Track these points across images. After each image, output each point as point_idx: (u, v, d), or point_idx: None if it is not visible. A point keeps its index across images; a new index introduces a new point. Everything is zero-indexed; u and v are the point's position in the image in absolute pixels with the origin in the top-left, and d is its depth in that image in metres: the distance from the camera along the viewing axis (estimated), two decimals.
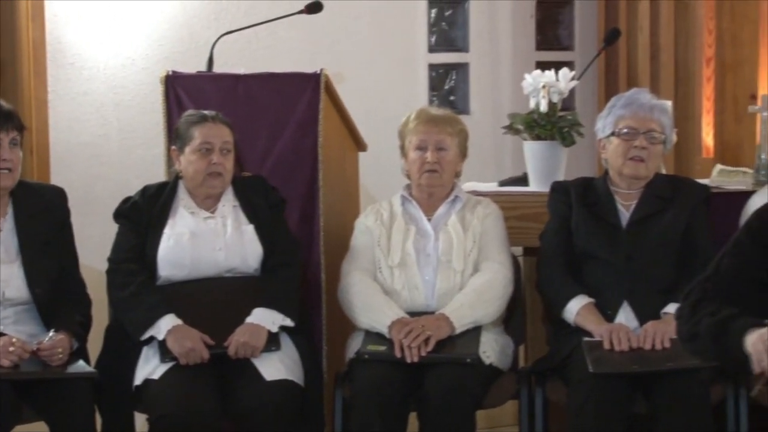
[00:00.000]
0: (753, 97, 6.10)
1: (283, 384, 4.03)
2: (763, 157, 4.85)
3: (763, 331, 2.73)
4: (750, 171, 4.89)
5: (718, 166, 5.01)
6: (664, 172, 4.61)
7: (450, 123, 4.43)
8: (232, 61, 5.07)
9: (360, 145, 4.98)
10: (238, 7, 5.72)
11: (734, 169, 4.97)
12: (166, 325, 4.07)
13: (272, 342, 4.12)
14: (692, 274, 4.12)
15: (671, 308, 4.10)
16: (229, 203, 4.31)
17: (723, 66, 6.40)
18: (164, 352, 4.05)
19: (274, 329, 4.14)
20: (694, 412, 3.92)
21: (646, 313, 4.18)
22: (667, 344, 4.05)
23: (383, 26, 6.10)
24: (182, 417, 3.88)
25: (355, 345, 4.26)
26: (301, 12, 4.96)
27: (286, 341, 4.18)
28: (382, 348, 4.17)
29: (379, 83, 5.96)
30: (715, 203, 4.44)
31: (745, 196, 4.40)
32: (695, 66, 6.34)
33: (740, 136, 6.28)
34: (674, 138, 4.49)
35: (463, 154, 4.46)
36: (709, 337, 2.86)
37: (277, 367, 4.07)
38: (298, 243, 4.41)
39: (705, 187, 4.49)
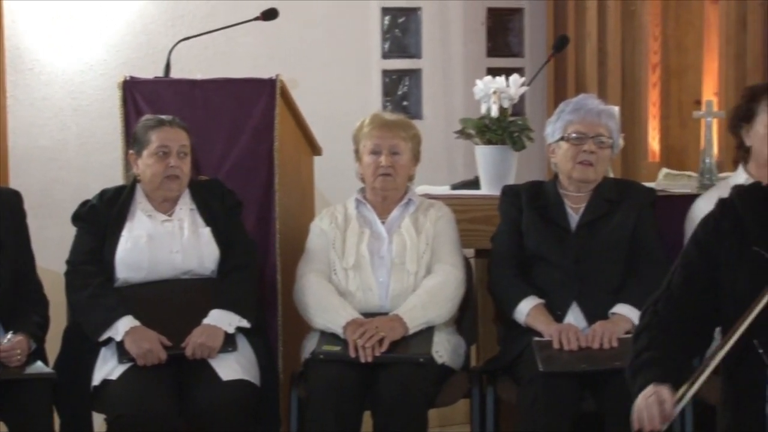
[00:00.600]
0: (697, 103, 6.13)
1: (239, 384, 4.06)
2: (707, 161, 4.86)
3: (647, 391, 2.86)
4: (695, 175, 4.91)
5: (664, 170, 5.04)
6: (611, 175, 4.64)
7: (403, 128, 4.46)
8: (189, 67, 5.09)
9: (315, 149, 5.00)
10: (194, 14, 5.73)
11: (679, 172, 5.01)
12: (124, 326, 4.09)
13: (229, 343, 4.14)
14: (639, 275, 4.24)
15: (619, 309, 4.19)
16: (186, 206, 4.34)
17: (668, 72, 6.44)
18: (122, 353, 4.06)
19: (231, 330, 4.16)
20: None
21: (595, 313, 4.21)
22: (615, 344, 4.09)
23: (338, 33, 6.13)
24: (139, 417, 3.90)
25: (310, 345, 4.28)
26: (257, 19, 5.00)
27: (242, 342, 4.21)
28: (337, 348, 4.19)
29: (334, 89, 5.99)
30: (661, 206, 4.47)
31: (690, 199, 4.42)
32: (641, 72, 6.38)
33: (685, 140, 6.31)
34: (621, 142, 4.52)
35: (416, 158, 4.49)
36: (629, 373, 3.02)
37: (234, 367, 4.10)
38: (255, 245, 4.43)
39: (651, 190, 4.52)
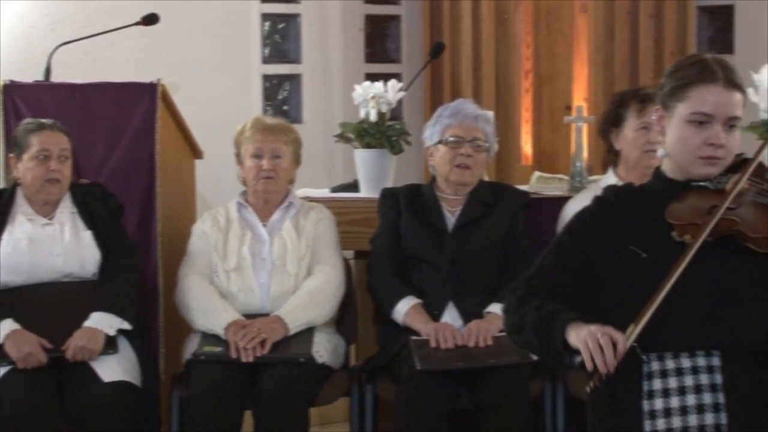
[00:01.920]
0: (568, 108, 6.23)
1: (120, 385, 4.05)
2: (577, 164, 4.93)
3: (593, 328, 2.76)
4: (566, 178, 4.98)
5: (536, 173, 5.12)
6: (486, 179, 4.68)
7: (284, 132, 4.49)
8: (70, 71, 5.03)
9: (196, 152, 5.00)
10: (75, 18, 5.67)
11: (551, 176, 5.09)
12: (4, 329, 4.06)
13: (110, 345, 4.13)
14: (514, 275, 4.23)
15: (494, 308, 4.24)
16: (67, 210, 4.32)
17: (540, 78, 6.53)
18: (2, 356, 4.03)
19: (112, 332, 4.15)
20: (514, 406, 4.02)
21: (470, 312, 4.28)
22: (490, 342, 4.16)
23: (218, 38, 6.11)
24: (20, 419, 3.88)
25: (191, 347, 4.27)
26: (137, 23, 4.98)
27: (123, 344, 4.20)
28: (218, 349, 4.20)
29: (215, 93, 5.98)
30: (534, 208, 4.53)
31: (562, 201, 4.45)
32: (514, 78, 6.47)
33: (556, 144, 6.41)
34: (496, 146, 4.57)
35: (296, 161, 4.52)
36: (533, 330, 2.90)
37: (115, 369, 4.09)
38: (136, 248, 4.41)
39: (525, 193, 4.60)
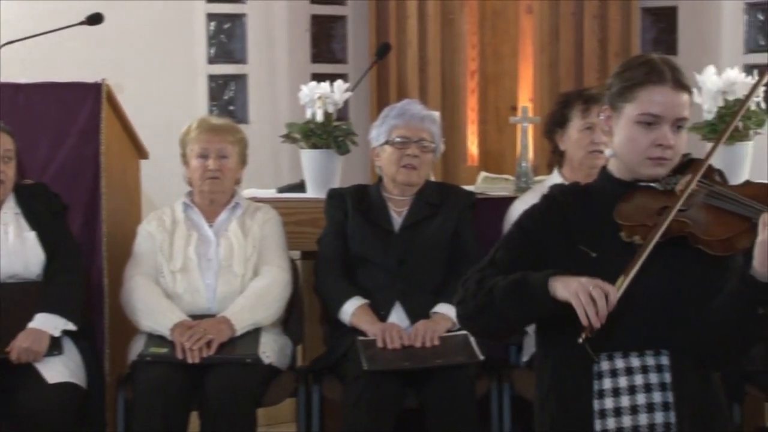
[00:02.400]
0: (513, 109, 6.27)
1: (65, 387, 4.03)
2: (523, 164, 4.95)
3: (583, 280, 2.75)
4: (511, 178, 5.01)
5: (482, 174, 5.14)
6: (433, 179, 4.70)
7: (230, 132, 4.49)
8: (14, 71, 4.97)
9: (142, 153, 4.98)
10: (18, 18, 5.64)
11: (497, 176, 5.11)
12: None
13: (55, 346, 4.11)
14: (460, 275, 4.25)
15: (440, 308, 4.28)
16: (11, 210, 4.28)
17: (486, 79, 6.56)
18: None
19: (57, 334, 4.12)
20: (461, 405, 4.04)
21: (417, 312, 4.29)
22: (437, 342, 4.17)
23: (164, 38, 6.11)
24: None
25: (137, 348, 4.26)
26: (82, 23, 4.94)
27: (68, 345, 4.17)
28: (164, 350, 4.19)
29: (161, 93, 5.97)
30: (480, 208, 4.55)
31: (508, 201, 4.49)
32: (460, 79, 6.50)
33: (502, 145, 6.45)
34: (443, 147, 4.58)
35: (243, 161, 4.51)
36: (506, 299, 2.85)
37: (60, 370, 4.07)
38: (81, 248, 4.39)
39: (471, 193, 4.61)
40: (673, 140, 2.92)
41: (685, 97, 2.94)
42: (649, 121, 2.91)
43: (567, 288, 2.77)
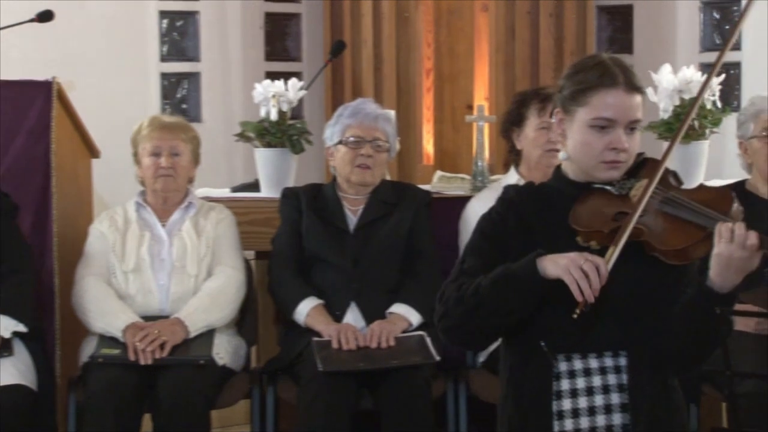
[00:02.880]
0: (469, 107, 6.25)
1: (15, 389, 3.99)
2: (479, 163, 4.96)
3: (572, 255, 2.75)
4: (468, 177, 5.02)
5: (438, 173, 5.15)
6: (388, 178, 4.69)
7: (183, 129, 4.47)
8: None
9: (93, 152, 4.95)
10: None
11: (453, 175, 5.12)
12: None
13: (5, 348, 4.07)
14: (415, 275, 4.34)
15: (396, 308, 4.28)
16: None
17: (441, 77, 6.54)
18: None
19: (7, 335, 4.09)
20: (417, 406, 4.04)
21: (373, 313, 4.29)
22: (392, 342, 4.17)
23: (115, 36, 6.07)
24: None
25: (88, 349, 4.23)
26: (32, 20, 4.89)
27: (19, 347, 4.14)
28: (116, 351, 4.16)
29: (112, 91, 5.93)
30: (436, 208, 4.55)
31: (464, 200, 4.50)
32: (416, 77, 6.48)
33: (458, 144, 6.43)
34: (398, 146, 4.58)
35: (196, 160, 4.50)
36: (495, 290, 2.81)
37: (10, 372, 4.02)
38: (31, 249, 4.35)
39: (427, 192, 4.61)
40: (627, 143, 2.90)
41: (638, 98, 2.93)
42: (603, 125, 2.90)
43: (557, 265, 2.76)
